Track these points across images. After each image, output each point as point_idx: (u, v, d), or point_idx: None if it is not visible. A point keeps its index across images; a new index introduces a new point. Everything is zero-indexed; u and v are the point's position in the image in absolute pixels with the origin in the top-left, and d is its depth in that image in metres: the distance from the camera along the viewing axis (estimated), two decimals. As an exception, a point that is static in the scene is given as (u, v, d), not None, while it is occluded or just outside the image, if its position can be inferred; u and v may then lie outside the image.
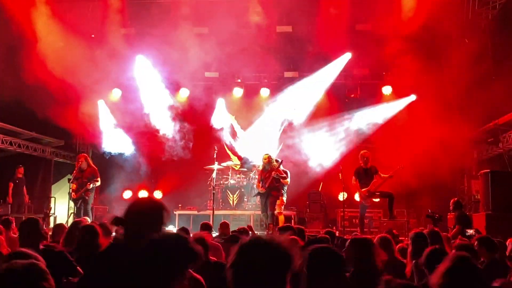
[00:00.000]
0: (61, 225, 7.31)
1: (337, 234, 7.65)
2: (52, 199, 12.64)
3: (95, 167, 10.55)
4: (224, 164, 12.63)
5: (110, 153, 13.35)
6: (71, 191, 10.40)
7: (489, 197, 9.15)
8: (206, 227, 7.02)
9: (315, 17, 11.74)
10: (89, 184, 10.19)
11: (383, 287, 2.29)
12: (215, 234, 7.79)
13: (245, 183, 12.54)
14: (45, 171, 13.70)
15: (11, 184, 11.77)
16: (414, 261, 4.19)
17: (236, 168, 13.07)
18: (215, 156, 11.21)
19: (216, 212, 11.01)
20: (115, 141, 13.38)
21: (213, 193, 11.18)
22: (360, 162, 10.20)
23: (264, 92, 13.58)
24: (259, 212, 11.13)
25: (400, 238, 7.59)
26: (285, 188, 10.55)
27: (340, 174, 10.53)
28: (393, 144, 11.45)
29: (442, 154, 10.98)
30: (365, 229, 10.17)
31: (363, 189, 10.04)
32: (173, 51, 11.82)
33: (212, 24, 12.29)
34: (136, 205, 2.65)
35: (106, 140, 13.32)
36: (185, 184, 12.95)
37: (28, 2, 11.23)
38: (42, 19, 11.22)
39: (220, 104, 13.65)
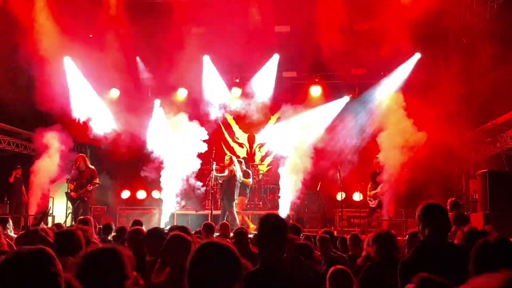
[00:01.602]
0: (59, 224, 7.32)
1: (335, 234, 7.66)
2: (50, 199, 12.60)
3: (93, 167, 10.52)
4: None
5: (108, 153, 13.29)
6: (69, 191, 10.39)
7: (487, 196, 9.17)
8: (209, 228, 6.96)
9: (313, 17, 11.73)
10: (90, 186, 10.19)
11: None
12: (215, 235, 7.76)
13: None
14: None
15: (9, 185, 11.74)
16: None
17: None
18: (213, 156, 11.20)
19: (214, 212, 10.99)
20: (113, 141, 13.33)
21: (211, 193, 11.18)
22: (375, 167, 10.30)
23: (263, 91, 13.56)
24: (257, 212, 11.12)
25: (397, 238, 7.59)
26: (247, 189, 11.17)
27: (338, 174, 10.54)
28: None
29: (441, 154, 10.98)
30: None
31: (371, 192, 10.23)
32: (171, 51, 11.80)
33: (210, 25, 12.28)
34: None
35: (104, 141, 13.27)
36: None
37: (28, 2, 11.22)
38: (41, 19, 11.18)
39: (218, 104, 13.62)
